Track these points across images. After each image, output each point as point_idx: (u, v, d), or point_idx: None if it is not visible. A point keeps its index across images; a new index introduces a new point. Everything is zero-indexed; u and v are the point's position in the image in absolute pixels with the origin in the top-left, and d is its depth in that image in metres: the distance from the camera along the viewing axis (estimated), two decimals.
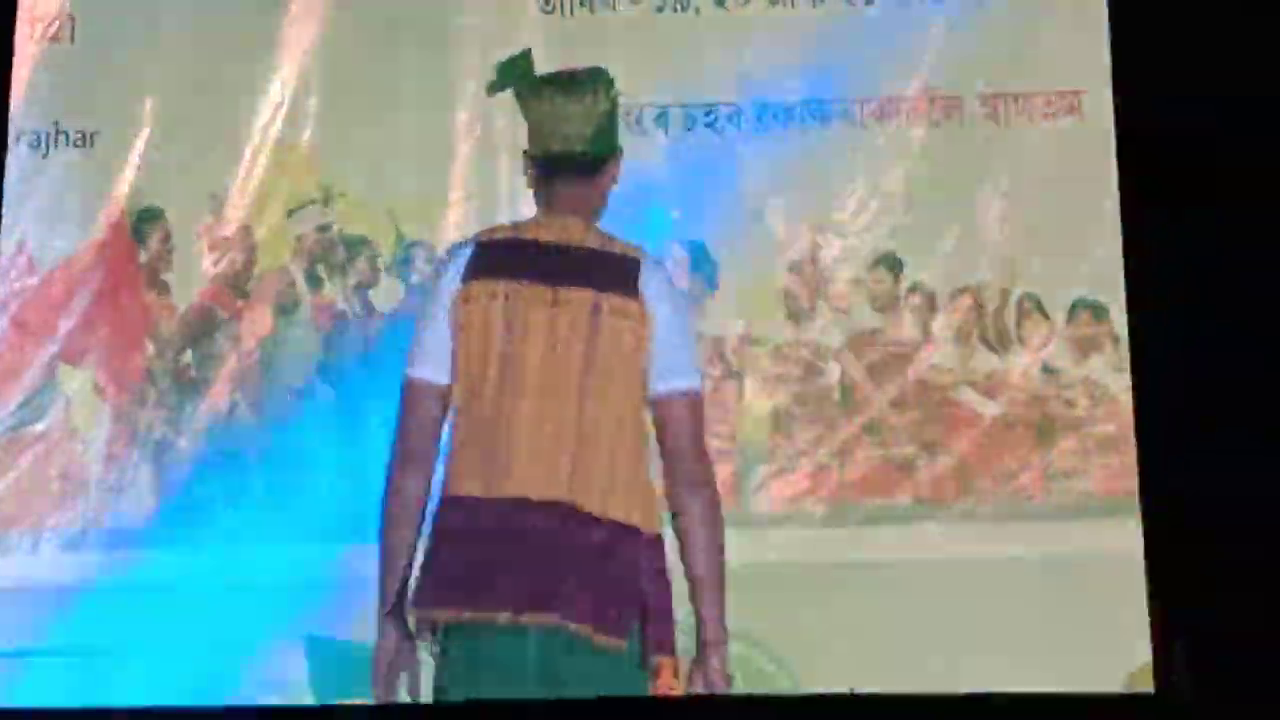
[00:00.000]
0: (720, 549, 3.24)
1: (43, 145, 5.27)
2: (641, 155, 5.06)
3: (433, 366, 3.19)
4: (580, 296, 3.14)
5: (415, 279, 5.23)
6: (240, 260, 5.26)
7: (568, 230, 3.20)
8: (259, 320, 5.23)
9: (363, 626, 3.38)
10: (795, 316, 5.16)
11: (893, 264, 5.20)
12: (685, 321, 3.26)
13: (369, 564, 3.32)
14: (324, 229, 5.30)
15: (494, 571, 3.06)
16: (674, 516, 3.23)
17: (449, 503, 3.14)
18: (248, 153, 5.26)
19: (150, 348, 5.16)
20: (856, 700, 4.40)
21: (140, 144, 5.29)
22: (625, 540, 3.12)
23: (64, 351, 5.23)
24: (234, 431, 5.13)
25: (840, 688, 4.54)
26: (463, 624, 3.10)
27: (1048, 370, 5.02)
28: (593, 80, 3.32)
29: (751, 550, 4.64)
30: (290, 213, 5.32)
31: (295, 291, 5.27)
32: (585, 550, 3.10)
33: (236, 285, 5.26)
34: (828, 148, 5.24)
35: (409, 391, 3.21)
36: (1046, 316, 5.05)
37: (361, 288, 5.30)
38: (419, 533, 3.20)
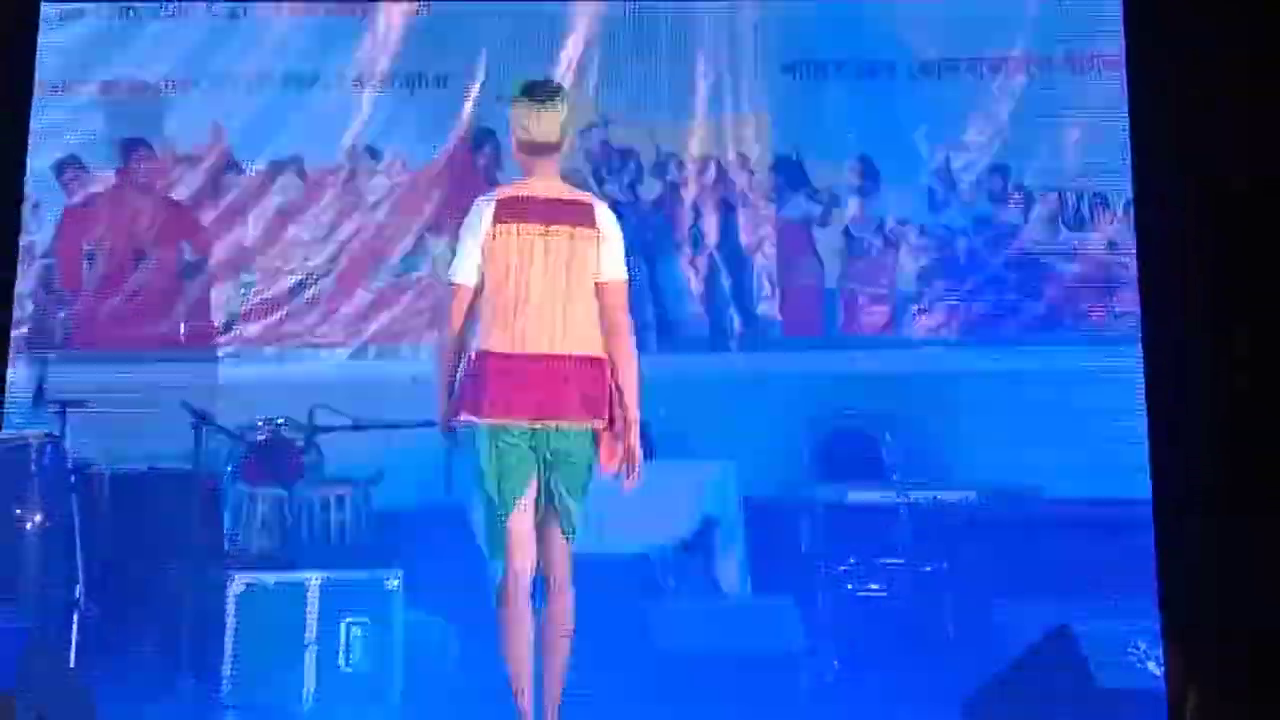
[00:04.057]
0: (634, 368, 4.76)
1: (410, 85, 6.92)
2: (827, 96, 6.76)
3: (469, 275, 4.68)
4: (562, 229, 4.71)
5: (669, 178, 6.89)
6: None
7: (552, 189, 4.78)
8: None
9: None
10: (934, 206, 6.87)
11: (1003, 171, 6.89)
12: (620, 236, 4.85)
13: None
14: (605, 143, 6.96)
15: (519, 395, 4.61)
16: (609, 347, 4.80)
17: (483, 355, 4.65)
18: None
19: None
20: None
21: (477, 84, 6.89)
22: (593, 365, 4.71)
23: (429, 225, 6.89)
24: None
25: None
26: (493, 426, 4.60)
27: (1111, 244, 6.61)
28: (560, 94, 4.89)
29: (904, 363, 6.34)
30: (582, 131, 6.89)
31: (586, 185, 6.80)
32: (573, 375, 4.65)
33: None
34: (957, 91, 6.91)
35: (455, 289, 4.70)
36: (1109, 207, 6.64)
37: (631, 184, 6.97)
38: (458, 368, 4.69)
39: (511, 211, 4.70)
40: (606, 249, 4.75)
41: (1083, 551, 6.05)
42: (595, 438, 4.68)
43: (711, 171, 6.96)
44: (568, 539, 4.68)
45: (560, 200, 4.76)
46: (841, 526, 6.38)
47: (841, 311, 6.83)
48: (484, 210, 4.70)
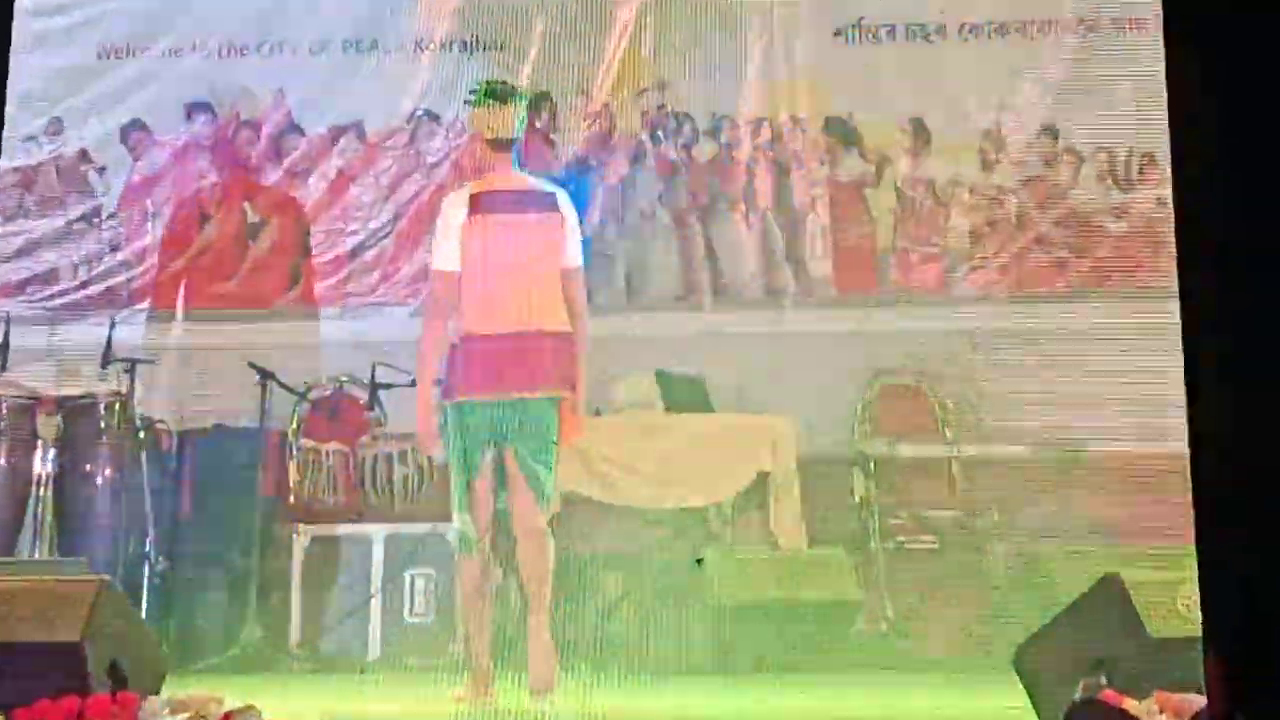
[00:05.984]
0: (586, 339, 5.08)
1: (468, 49, 7.00)
2: (878, 59, 6.80)
3: (449, 262, 4.99)
4: (529, 217, 5.03)
5: (723, 140, 6.98)
6: (604, 126, 6.98)
7: (515, 180, 5.07)
8: (618, 167, 6.98)
9: None
10: (986, 166, 6.92)
11: (1053, 132, 6.91)
12: (578, 224, 5.07)
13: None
14: (660, 107, 7.03)
15: (499, 372, 4.91)
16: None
17: (467, 338, 4.95)
18: (607, 55, 6.93)
19: None
20: None
21: (534, 49, 6.92)
22: (562, 339, 5.02)
23: None
24: (604, 238, 6.89)
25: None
26: (473, 401, 4.89)
27: (1160, 202, 6.63)
28: (516, 93, 5.14)
29: (955, 320, 6.41)
30: (637, 95, 7.01)
31: (643, 147, 7.00)
32: (547, 350, 4.95)
33: (602, 143, 6.98)
34: (1008, 52, 6.94)
35: (437, 276, 5.05)
36: (1158, 166, 6.67)
37: (686, 145, 7.04)
38: (441, 353, 4.98)
39: (484, 204, 5.04)
40: (568, 237, 5.08)
41: (1129, 503, 6.15)
42: (557, 409, 5.00)
43: (765, 133, 7.03)
44: (537, 499, 4.95)
45: (526, 191, 5.10)
46: (894, 480, 6.50)
47: (894, 269, 6.92)
48: (458, 204, 5.05)
